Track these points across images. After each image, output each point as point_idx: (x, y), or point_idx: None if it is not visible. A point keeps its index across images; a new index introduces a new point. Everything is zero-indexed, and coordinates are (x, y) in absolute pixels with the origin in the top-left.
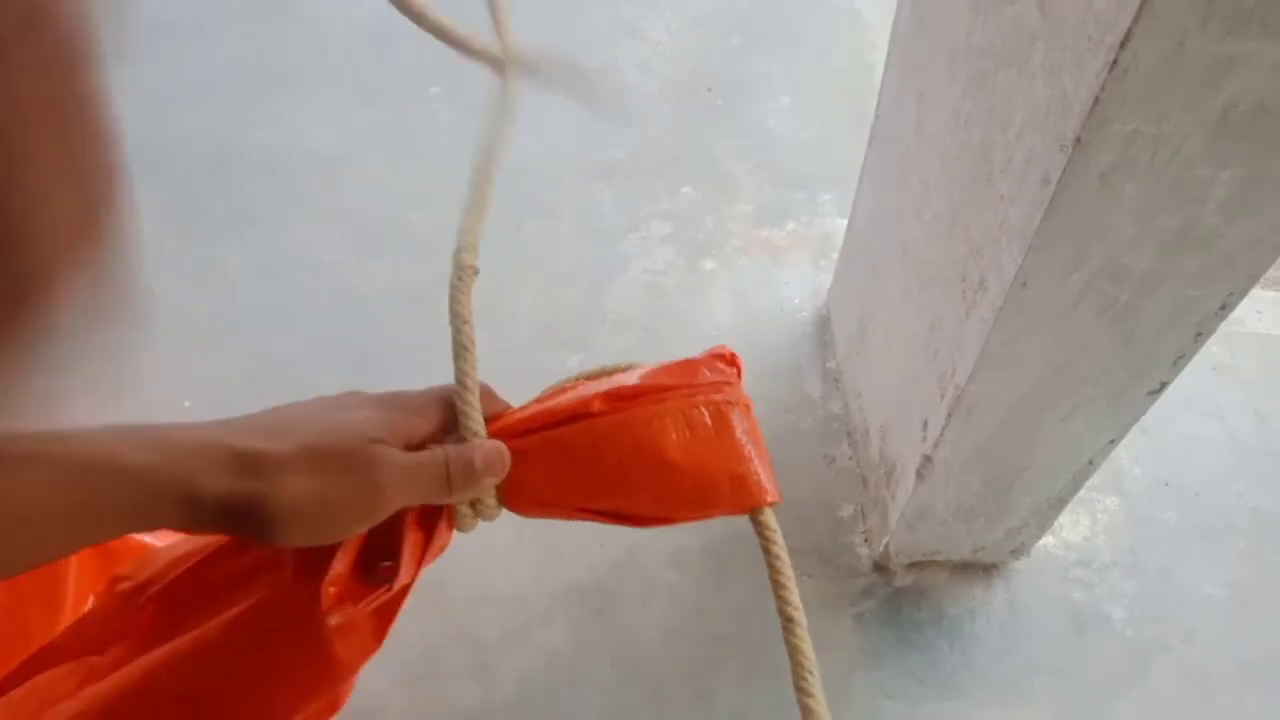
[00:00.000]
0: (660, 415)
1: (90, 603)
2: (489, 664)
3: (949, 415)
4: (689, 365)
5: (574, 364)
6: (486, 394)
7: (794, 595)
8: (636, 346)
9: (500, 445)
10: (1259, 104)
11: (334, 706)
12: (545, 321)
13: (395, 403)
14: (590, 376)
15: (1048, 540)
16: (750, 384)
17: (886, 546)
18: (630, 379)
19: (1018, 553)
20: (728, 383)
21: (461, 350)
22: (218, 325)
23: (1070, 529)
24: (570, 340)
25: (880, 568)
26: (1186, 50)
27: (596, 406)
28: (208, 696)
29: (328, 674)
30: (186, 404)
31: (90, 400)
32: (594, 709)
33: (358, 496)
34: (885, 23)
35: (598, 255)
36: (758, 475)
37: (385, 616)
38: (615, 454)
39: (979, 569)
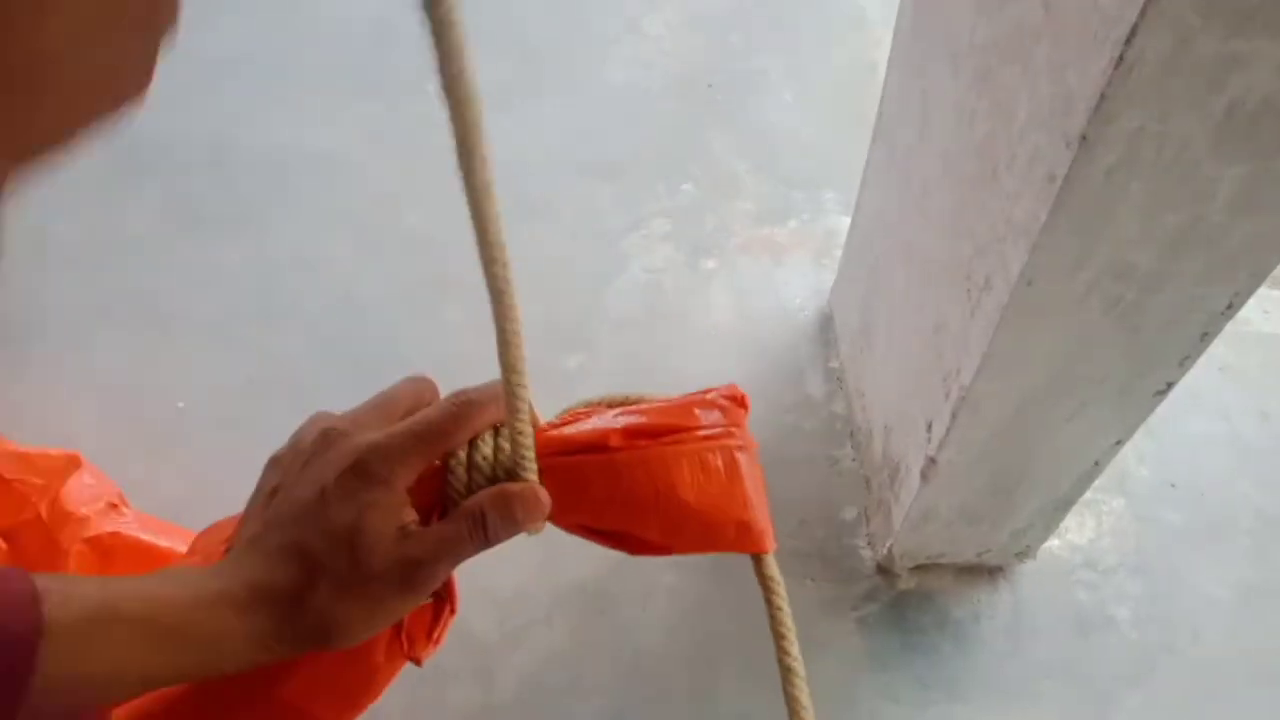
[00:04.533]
0: (677, 456)
1: None
2: (489, 665)
3: (954, 416)
4: (703, 404)
5: (574, 364)
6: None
7: (794, 646)
8: (636, 346)
9: (541, 491)
10: (1264, 102)
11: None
12: (544, 321)
13: (401, 444)
14: (607, 403)
15: (1053, 542)
16: (752, 384)
17: (890, 549)
18: (646, 414)
19: (1023, 555)
20: (738, 426)
21: (514, 385)
22: (214, 324)
23: (1076, 531)
24: (570, 340)
25: (884, 570)
26: (1191, 47)
27: (615, 442)
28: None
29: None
30: (180, 404)
31: (88, 401)
32: (594, 710)
33: (403, 600)
34: (888, 19)
35: (597, 254)
36: (761, 524)
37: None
38: (630, 488)
39: (984, 571)
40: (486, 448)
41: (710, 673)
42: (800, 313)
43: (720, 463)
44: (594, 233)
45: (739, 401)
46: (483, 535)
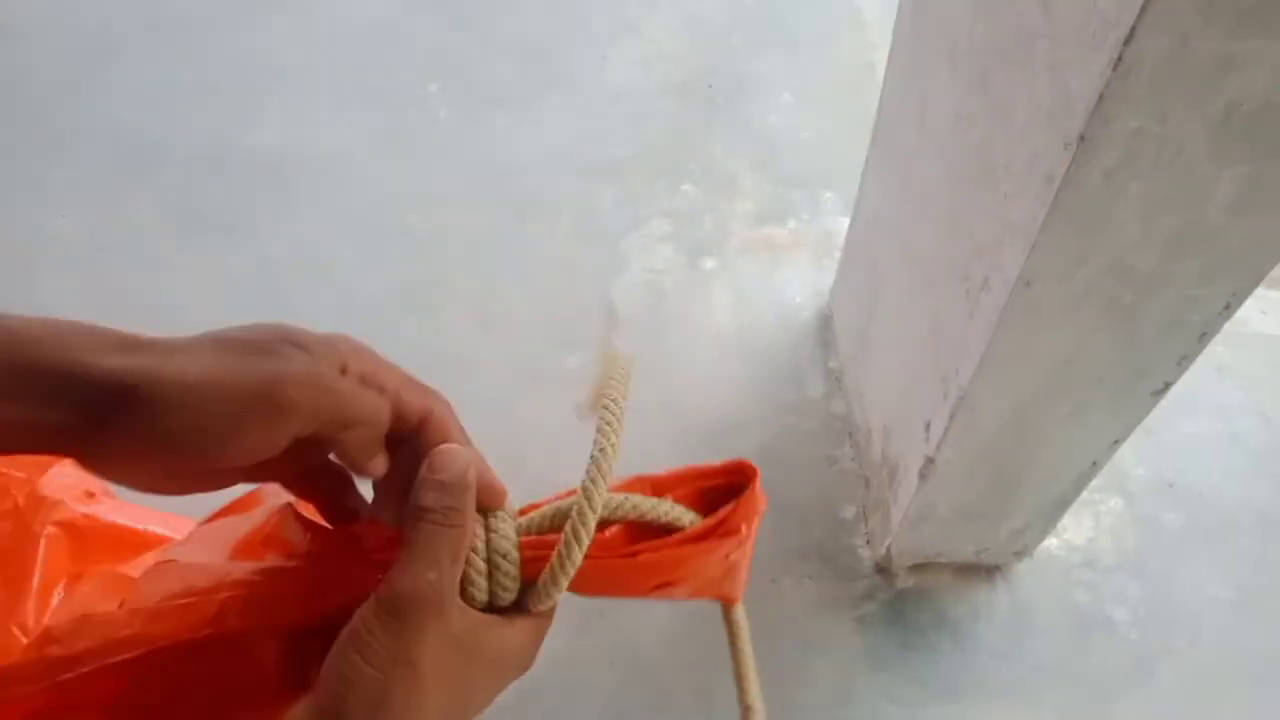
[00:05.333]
0: (678, 587)
1: (60, 591)
2: None
3: (952, 416)
4: (716, 533)
5: (573, 363)
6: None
7: (754, 686)
8: (636, 346)
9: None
10: (1263, 102)
11: None
12: (545, 320)
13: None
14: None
15: (1051, 542)
16: (751, 384)
17: (889, 548)
18: (655, 558)
19: (1021, 554)
20: (750, 537)
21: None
22: (214, 324)
23: (1074, 530)
24: (570, 339)
25: (882, 569)
26: (1190, 49)
27: (622, 572)
28: None
29: None
30: None
31: None
32: (594, 711)
33: (258, 388)
34: (886, 21)
35: (598, 254)
36: (739, 592)
37: None
38: (626, 590)
39: (982, 570)
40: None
41: (710, 674)
42: (800, 313)
43: (718, 572)
44: (594, 233)
45: (753, 511)
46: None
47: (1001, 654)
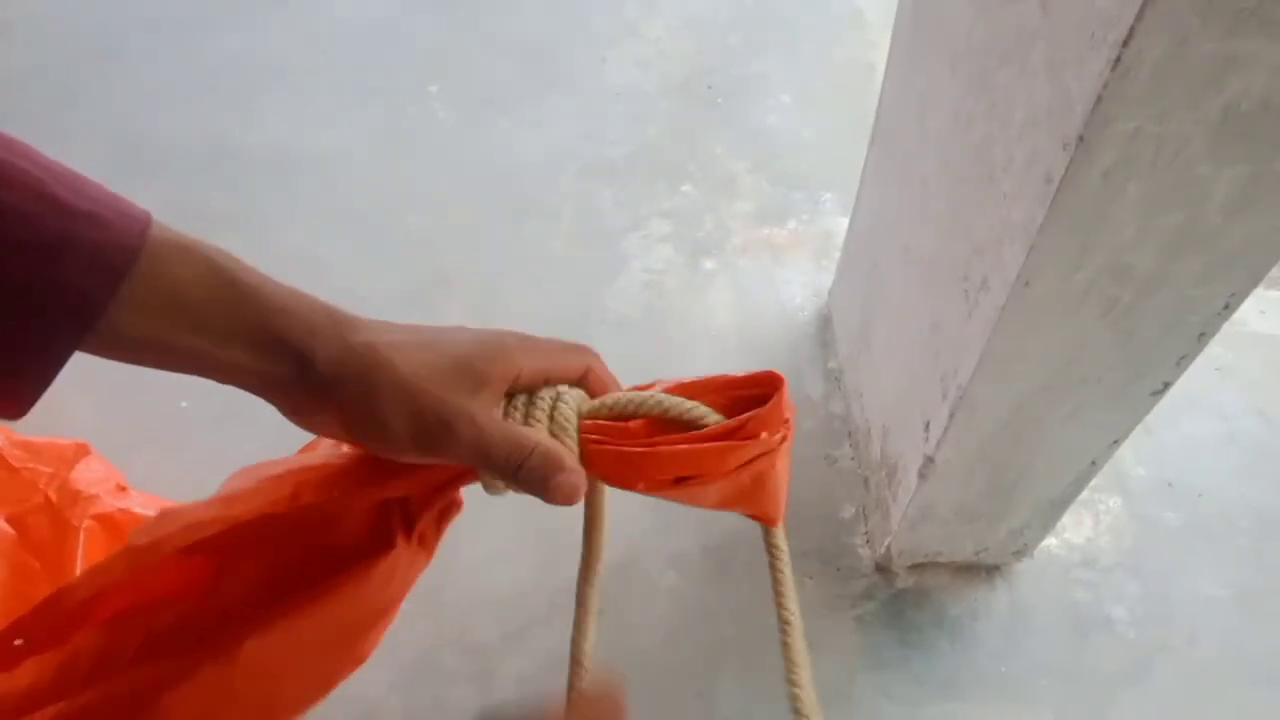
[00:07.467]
0: (710, 488)
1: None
2: (488, 666)
3: (951, 415)
4: (743, 433)
5: None
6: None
7: (792, 603)
8: (636, 346)
9: (579, 476)
10: (1261, 103)
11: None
12: (545, 320)
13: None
14: (656, 399)
15: (1050, 541)
16: None
17: (888, 547)
18: (688, 459)
19: (1020, 554)
20: (775, 450)
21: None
22: None
23: (1073, 530)
24: (570, 339)
25: (882, 569)
26: (1189, 49)
27: (653, 472)
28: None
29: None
30: (184, 404)
31: (91, 399)
32: None
33: (444, 418)
34: (886, 21)
35: (598, 254)
36: (776, 510)
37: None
38: (647, 479)
39: (981, 570)
40: (545, 404)
41: (711, 674)
42: (799, 313)
43: (748, 480)
44: (594, 233)
45: (782, 420)
46: (514, 468)
47: (1000, 653)
